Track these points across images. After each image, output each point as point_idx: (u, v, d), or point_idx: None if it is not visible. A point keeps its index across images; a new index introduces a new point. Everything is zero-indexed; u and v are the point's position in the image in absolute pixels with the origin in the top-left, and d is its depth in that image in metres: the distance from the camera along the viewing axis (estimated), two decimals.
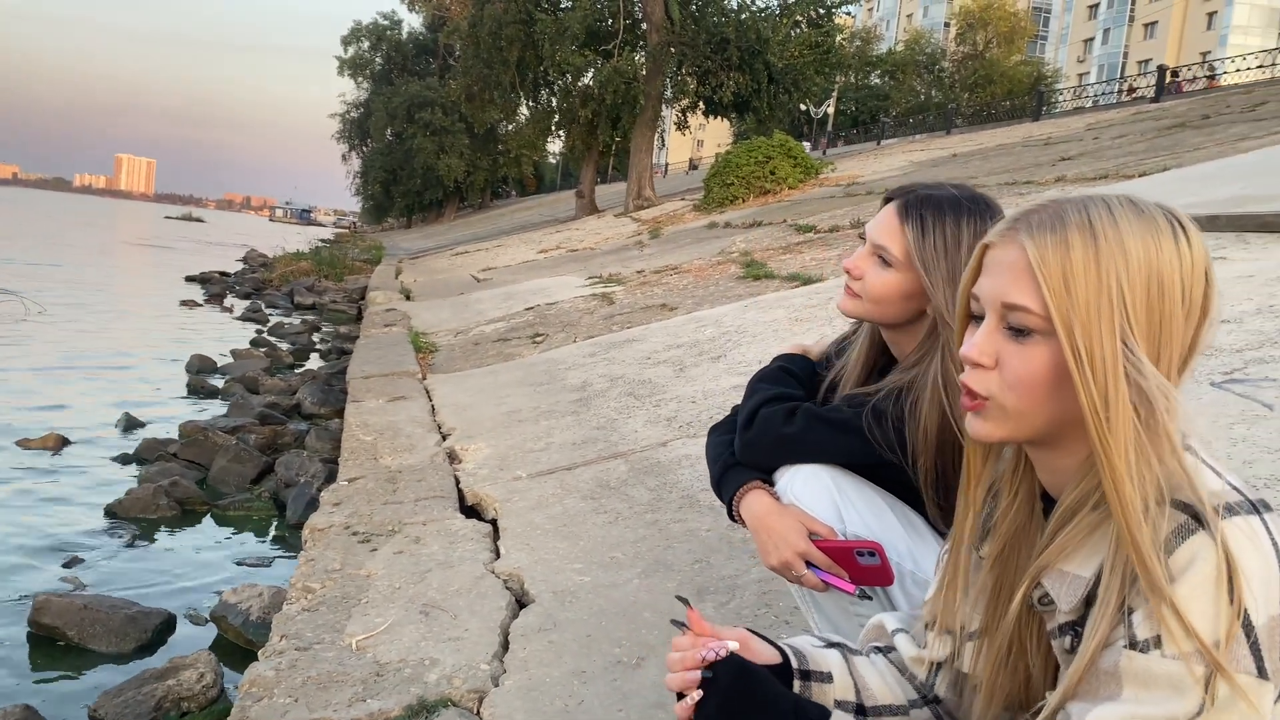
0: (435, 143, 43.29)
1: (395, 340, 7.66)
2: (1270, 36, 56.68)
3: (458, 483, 3.60)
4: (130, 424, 6.28)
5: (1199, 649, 0.83)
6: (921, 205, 1.50)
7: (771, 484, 1.59)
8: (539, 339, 6.82)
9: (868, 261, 1.55)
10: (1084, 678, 0.91)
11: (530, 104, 27.12)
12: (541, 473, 3.60)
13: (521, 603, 2.50)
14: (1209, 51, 58.41)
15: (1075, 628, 0.97)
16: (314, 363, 9.74)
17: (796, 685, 1.17)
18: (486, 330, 7.80)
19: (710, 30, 21.27)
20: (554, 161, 61.24)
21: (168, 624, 3.27)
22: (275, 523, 4.52)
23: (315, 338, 11.62)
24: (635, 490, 3.25)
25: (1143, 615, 0.87)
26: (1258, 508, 0.88)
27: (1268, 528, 0.87)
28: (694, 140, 65.67)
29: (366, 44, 53.41)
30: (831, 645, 1.24)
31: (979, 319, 1.00)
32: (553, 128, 27.41)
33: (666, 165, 55.21)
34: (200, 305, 15.07)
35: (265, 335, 11.36)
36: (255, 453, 5.21)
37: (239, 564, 4.01)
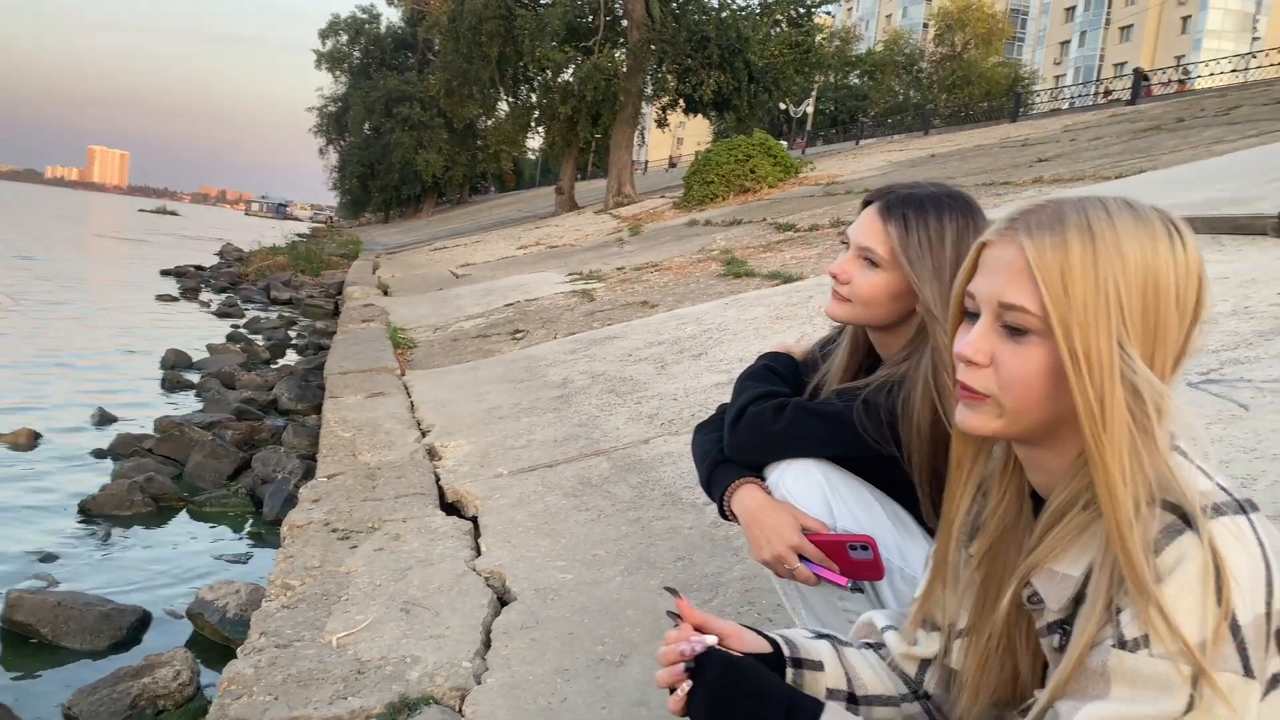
0: (413, 137, 42.95)
1: (373, 336, 7.61)
2: (1244, 41, 57.53)
3: (438, 480, 3.59)
4: (104, 419, 6.20)
5: (1183, 649, 0.84)
6: (903, 204, 1.52)
7: (762, 480, 1.59)
8: (519, 335, 6.79)
9: (854, 265, 1.56)
10: (1072, 676, 0.91)
11: (510, 100, 27.02)
12: (522, 470, 3.58)
13: (503, 600, 2.49)
14: (1183, 55, 59.07)
15: (1064, 626, 0.97)
16: (291, 358, 9.64)
17: (789, 674, 1.17)
18: (466, 326, 7.76)
19: (691, 28, 21.31)
20: (533, 158, 60.98)
21: (143, 621, 3.23)
22: (252, 519, 4.47)
23: (292, 333, 11.52)
24: (617, 488, 3.25)
25: (1131, 614, 0.87)
26: (1244, 507, 0.89)
27: (1254, 527, 0.88)
28: (674, 138, 65.68)
29: (345, 37, 52.92)
30: (821, 636, 1.24)
31: (974, 316, 1.01)
32: (532, 124, 27.31)
33: (646, 163, 55.13)
34: (176, 300, 14.90)
35: (241, 330, 11.24)
36: (232, 448, 5.16)
37: (216, 559, 3.97)
